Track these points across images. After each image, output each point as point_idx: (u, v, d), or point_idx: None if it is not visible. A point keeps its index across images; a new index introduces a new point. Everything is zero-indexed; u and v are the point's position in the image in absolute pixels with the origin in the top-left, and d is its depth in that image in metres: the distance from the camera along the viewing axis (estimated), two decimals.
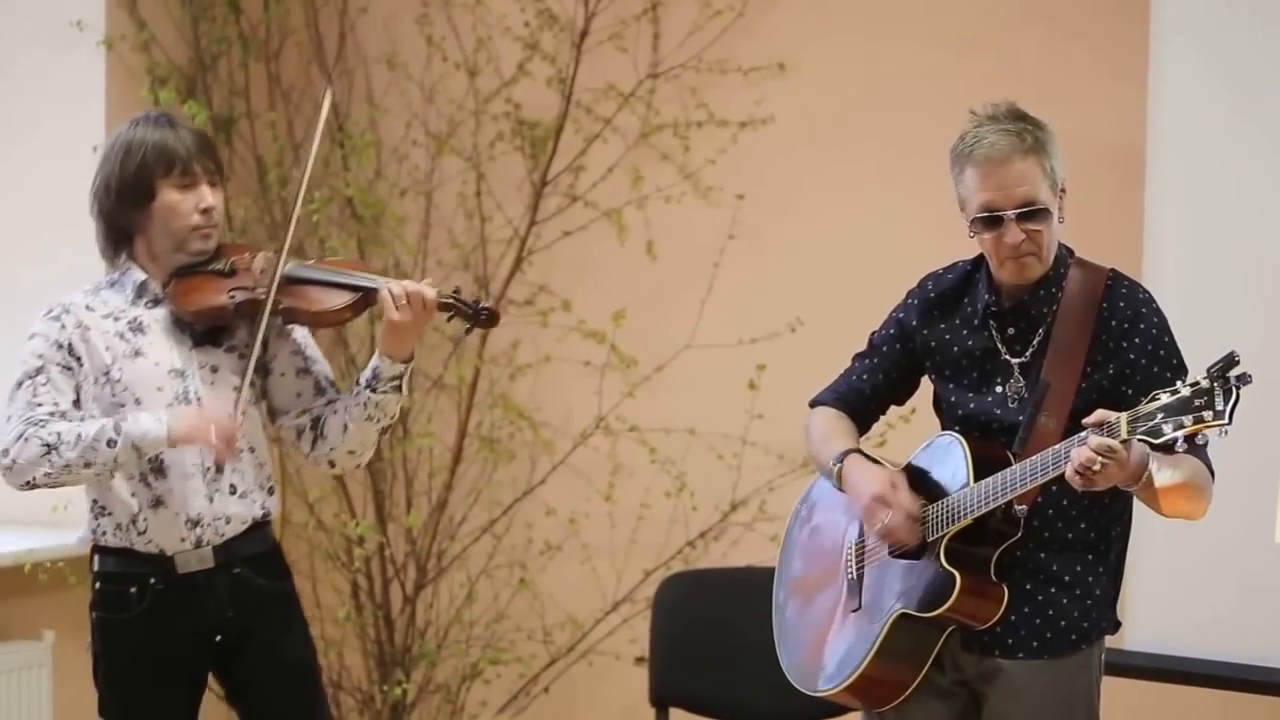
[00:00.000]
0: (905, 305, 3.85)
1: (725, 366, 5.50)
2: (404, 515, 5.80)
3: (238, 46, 5.84)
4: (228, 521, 3.86)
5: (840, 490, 3.78)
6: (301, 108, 5.96)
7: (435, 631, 5.87)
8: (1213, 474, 3.59)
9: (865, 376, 3.90)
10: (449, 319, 3.83)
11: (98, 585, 3.89)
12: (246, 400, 3.81)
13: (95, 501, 3.87)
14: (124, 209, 3.82)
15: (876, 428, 4.00)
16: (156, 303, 3.86)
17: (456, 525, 5.86)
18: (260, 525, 3.92)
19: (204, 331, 3.84)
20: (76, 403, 3.81)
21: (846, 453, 3.79)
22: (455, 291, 3.81)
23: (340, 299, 3.79)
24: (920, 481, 3.73)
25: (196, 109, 5.60)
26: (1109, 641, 3.78)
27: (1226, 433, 3.29)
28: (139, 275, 3.87)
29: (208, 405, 3.76)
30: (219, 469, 3.78)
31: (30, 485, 3.78)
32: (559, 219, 5.75)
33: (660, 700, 4.86)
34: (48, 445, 3.72)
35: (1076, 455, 3.38)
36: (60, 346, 3.82)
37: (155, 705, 3.89)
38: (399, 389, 3.82)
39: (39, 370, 3.80)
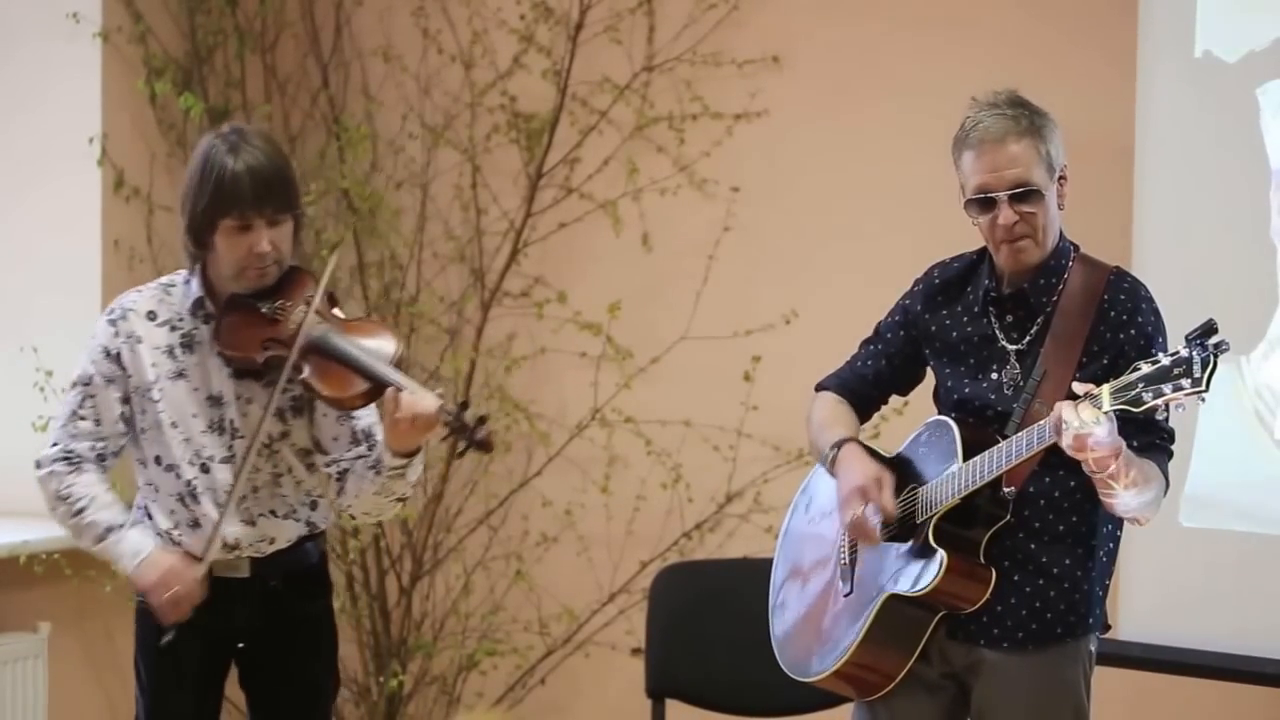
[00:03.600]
0: (912, 292, 3.88)
1: (720, 358, 5.51)
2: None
3: (233, 38, 5.85)
4: (271, 542, 3.90)
5: (833, 475, 3.80)
6: (297, 100, 5.97)
7: (431, 623, 5.88)
8: (1168, 485, 3.62)
9: (870, 363, 3.92)
10: (442, 439, 3.81)
11: None
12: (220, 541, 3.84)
13: (143, 509, 3.90)
14: (190, 234, 3.83)
15: (870, 419, 4.01)
16: (209, 320, 3.87)
17: (452, 517, 5.86)
18: (309, 538, 3.95)
19: (243, 370, 3.86)
20: (124, 416, 3.87)
21: (844, 440, 3.81)
22: (461, 408, 3.73)
23: (355, 388, 3.77)
24: (912, 465, 3.75)
25: (192, 101, 5.60)
26: None
27: (1204, 400, 3.31)
28: (197, 291, 3.87)
29: (180, 563, 3.80)
30: (162, 632, 3.82)
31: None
32: (554, 211, 5.76)
33: (656, 691, 4.85)
34: (59, 496, 3.88)
35: (1058, 407, 3.41)
36: (109, 355, 3.86)
37: (176, 691, 3.93)
38: (403, 476, 3.82)
39: (89, 381, 3.87)
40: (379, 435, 3.89)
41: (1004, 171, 3.61)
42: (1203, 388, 3.30)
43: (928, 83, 5.20)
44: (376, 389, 3.76)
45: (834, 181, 5.43)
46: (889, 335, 3.91)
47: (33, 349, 5.35)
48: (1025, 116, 3.63)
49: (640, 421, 5.64)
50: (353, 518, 3.96)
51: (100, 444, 3.87)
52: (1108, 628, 3.79)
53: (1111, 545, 3.74)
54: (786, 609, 3.93)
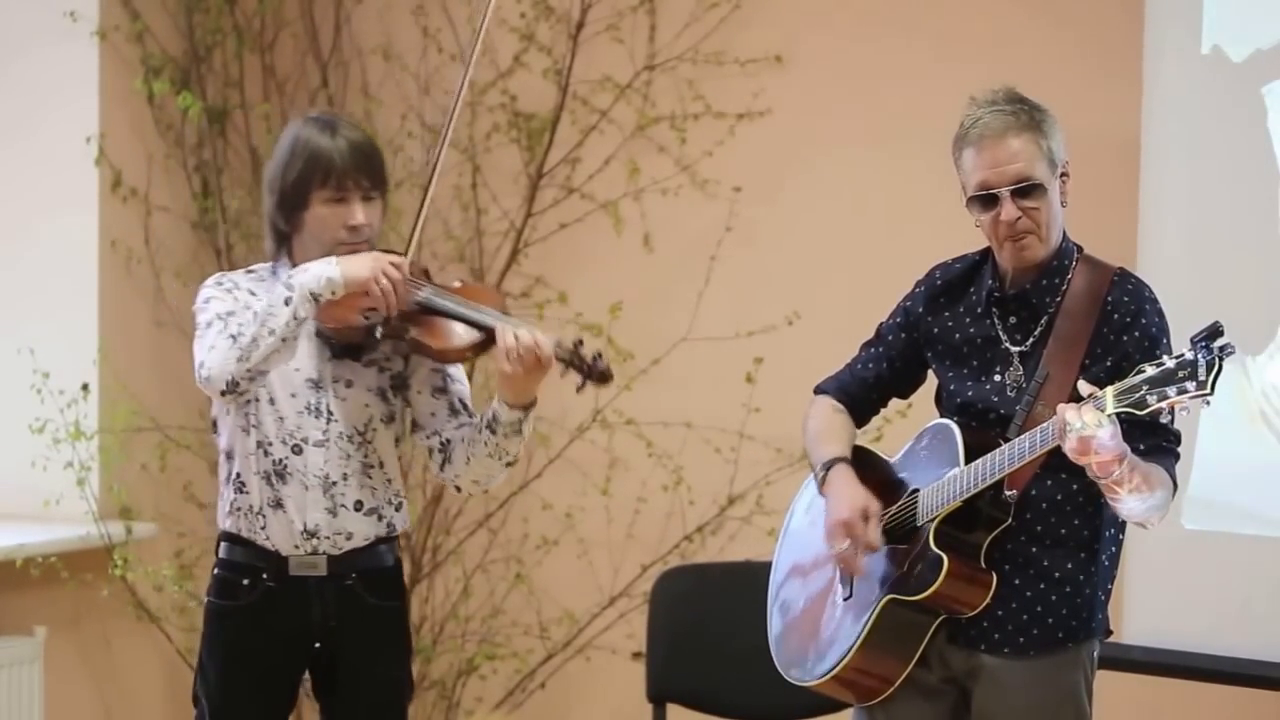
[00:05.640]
0: (913, 294, 3.86)
1: (722, 360, 5.49)
2: None
3: (232, 38, 5.83)
4: (349, 538, 3.86)
5: (823, 496, 3.78)
6: (296, 99, 5.95)
7: (431, 626, 5.86)
8: (1176, 487, 3.60)
9: (870, 365, 3.90)
10: (563, 374, 3.79)
11: (216, 571, 3.93)
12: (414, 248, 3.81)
13: (238, 475, 3.87)
14: (281, 211, 3.83)
15: (873, 421, 3.99)
16: None
17: (452, 519, 5.84)
18: (385, 540, 3.93)
19: (344, 345, 3.84)
20: None
21: (834, 462, 3.79)
22: (577, 344, 3.76)
23: (464, 338, 3.77)
24: (913, 468, 3.73)
25: (190, 100, 5.59)
26: None
27: (1209, 403, 3.29)
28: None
29: (378, 253, 3.75)
30: (385, 328, 3.74)
31: (232, 387, 3.72)
32: (555, 211, 5.74)
33: (657, 696, 4.84)
34: (233, 336, 3.72)
35: (1061, 409, 3.38)
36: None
37: (246, 699, 3.91)
38: (519, 432, 3.82)
39: (230, 313, 3.79)
40: (473, 409, 3.91)
41: (1005, 167, 3.58)
42: (1207, 391, 3.27)
43: (931, 82, 5.17)
44: (487, 337, 3.76)
45: (837, 181, 5.41)
46: (890, 337, 3.88)
47: (29, 350, 5.32)
48: (1025, 112, 3.61)
49: (641, 423, 5.61)
50: (458, 489, 3.94)
51: None
52: (1109, 632, 3.76)
53: (1114, 549, 3.71)
54: (785, 612, 3.91)
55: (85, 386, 5.39)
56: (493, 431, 3.81)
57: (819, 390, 3.95)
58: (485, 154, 5.79)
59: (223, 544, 3.92)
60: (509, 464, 3.88)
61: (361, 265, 3.72)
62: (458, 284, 3.92)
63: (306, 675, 4.01)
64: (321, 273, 3.72)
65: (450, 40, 5.81)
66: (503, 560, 5.82)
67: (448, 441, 3.89)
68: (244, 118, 5.88)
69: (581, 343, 3.78)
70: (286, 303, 3.70)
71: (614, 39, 5.64)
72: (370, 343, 3.80)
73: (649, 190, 5.65)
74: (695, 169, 5.60)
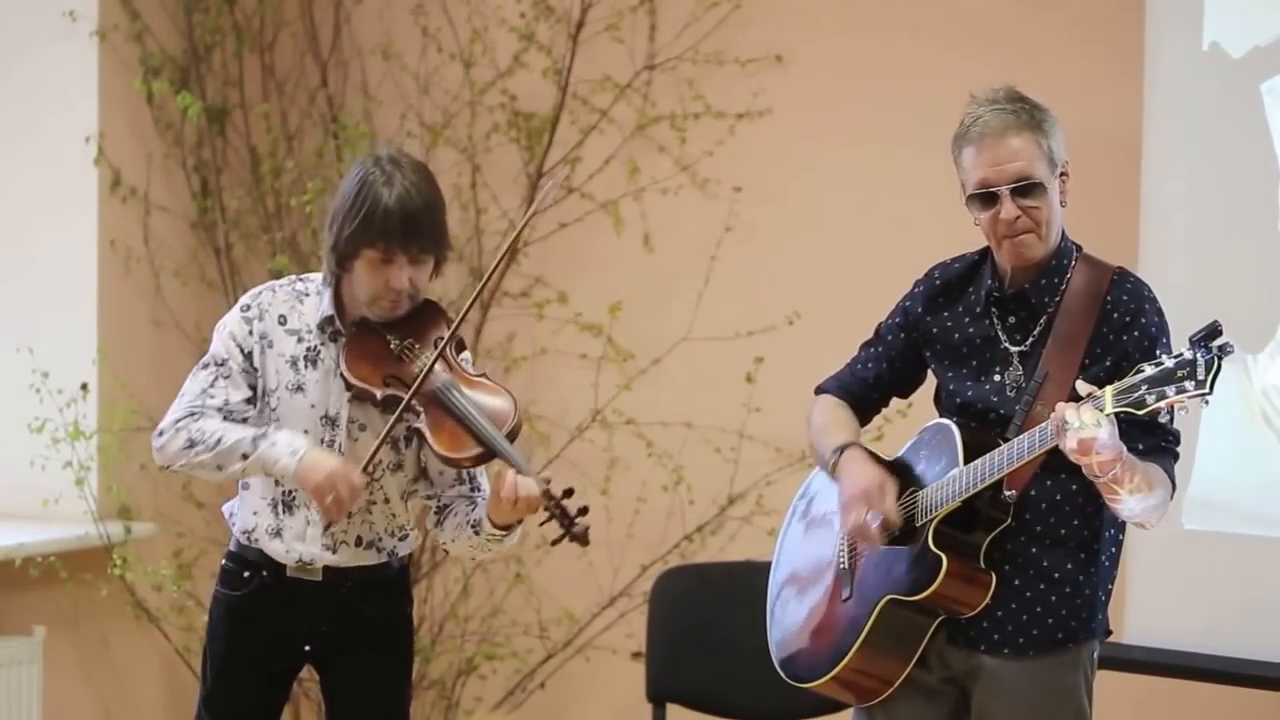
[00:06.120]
0: (912, 294, 3.85)
1: (722, 360, 5.48)
2: None
3: (231, 37, 5.82)
4: (346, 564, 3.89)
5: (834, 480, 3.76)
6: (296, 99, 5.94)
7: (430, 626, 5.85)
8: (1174, 487, 3.59)
9: (870, 365, 3.89)
10: (541, 524, 3.78)
11: (223, 562, 3.97)
12: (377, 465, 3.82)
13: (245, 491, 3.91)
14: (334, 253, 3.81)
15: (874, 421, 3.98)
16: (336, 338, 3.85)
17: None
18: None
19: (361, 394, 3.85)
20: (250, 400, 3.84)
21: (846, 445, 3.77)
22: (565, 494, 3.74)
23: (466, 452, 3.76)
24: (912, 468, 3.72)
25: (190, 100, 5.58)
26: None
27: (1208, 402, 3.29)
28: (329, 309, 3.85)
29: (342, 467, 3.74)
30: (326, 527, 3.82)
31: (169, 469, 3.87)
32: (555, 211, 5.72)
33: (657, 696, 4.83)
34: (191, 441, 3.78)
35: (1059, 408, 3.38)
36: (244, 351, 3.85)
37: (236, 689, 3.94)
38: (500, 541, 3.83)
39: (223, 363, 3.84)
40: (482, 479, 3.90)
41: (1005, 165, 3.58)
42: (1206, 390, 3.27)
43: (932, 81, 5.16)
44: (487, 456, 3.76)
45: (837, 181, 5.41)
46: (889, 337, 3.88)
47: (29, 350, 5.31)
48: (1025, 111, 3.60)
49: (641, 423, 5.61)
50: (447, 552, 3.96)
51: (227, 414, 3.83)
52: (1109, 633, 3.75)
53: (1114, 549, 3.70)
54: (785, 613, 3.90)
55: (84, 386, 5.39)
56: (476, 533, 3.83)
57: (820, 390, 3.94)
58: (485, 154, 5.79)
59: (232, 537, 3.96)
60: (499, 551, 3.92)
61: (319, 473, 3.72)
62: (483, 377, 3.88)
63: (305, 676, 4.02)
64: (283, 458, 3.75)
65: (449, 40, 5.80)
66: (502, 560, 5.80)
67: (445, 506, 3.91)
68: (243, 117, 5.87)
69: (571, 493, 3.74)
70: (243, 456, 3.76)
71: (614, 39, 5.63)
72: (385, 406, 3.81)
73: (649, 190, 5.64)
74: (695, 169, 5.59)
